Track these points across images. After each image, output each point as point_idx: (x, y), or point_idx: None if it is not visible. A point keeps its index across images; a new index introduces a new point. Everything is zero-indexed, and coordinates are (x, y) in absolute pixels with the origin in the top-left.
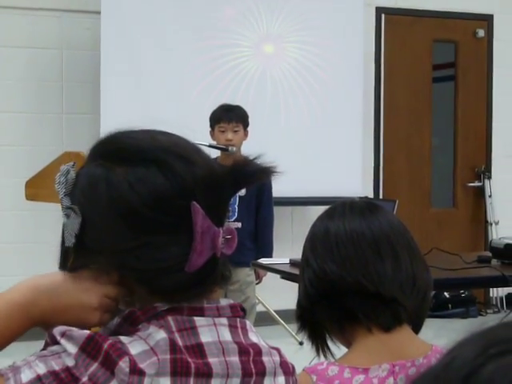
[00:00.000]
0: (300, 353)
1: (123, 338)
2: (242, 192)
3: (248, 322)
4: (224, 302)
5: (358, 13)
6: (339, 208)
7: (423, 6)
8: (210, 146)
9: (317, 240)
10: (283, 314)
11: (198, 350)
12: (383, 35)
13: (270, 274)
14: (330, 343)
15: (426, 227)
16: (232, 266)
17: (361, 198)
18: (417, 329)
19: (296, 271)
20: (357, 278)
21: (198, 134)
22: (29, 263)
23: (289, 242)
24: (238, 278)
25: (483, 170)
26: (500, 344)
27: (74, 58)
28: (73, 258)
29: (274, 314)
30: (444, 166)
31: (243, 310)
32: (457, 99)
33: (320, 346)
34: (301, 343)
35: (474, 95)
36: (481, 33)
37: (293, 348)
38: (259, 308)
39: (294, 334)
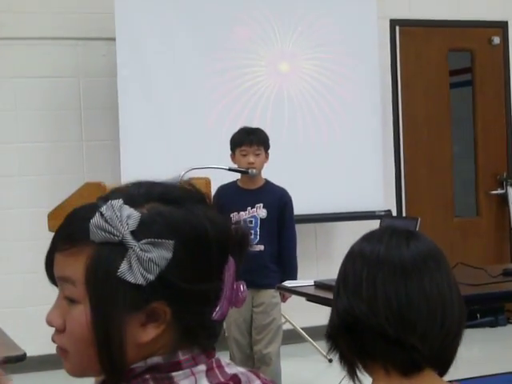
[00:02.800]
0: (329, 370)
1: None
2: (263, 214)
3: (221, 358)
4: (197, 348)
5: (372, 26)
6: (377, 234)
7: (437, 16)
8: (230, 169)
9: (352, 260)
10: (311, 331)
11: None
12: (398, 47)
13: None
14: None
15: (449, 237)
16: (256, 288)
17: (385, 212)
18: (443, 370)
19: (321, 293)
20: (380, 321)
21: (216, 158)
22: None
23: (313, 259)
24: (262, 300)
25: (505, 177)
26: None
27: (91, 85)
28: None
29: (302, 331)
30: (466, 174)
31: (214, 348)
32: (475, 106)
33: (348, 370)
34: (330, 360)
35: (492, 102)
36: (496, 40)
37: (322, 366)
38: (286, 326)
39: (322, 351)
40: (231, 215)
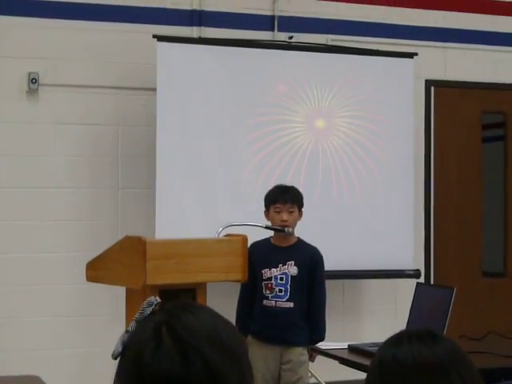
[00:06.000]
0: None
1: None
2: (294, 272)
3: None
4: None
5: (408, 86)
6: (405, 337)
7: (472, 77)
8: (267, 227)
9: (386, 368)
10: None
11: None
12: (432, 107)
13: None
14: None
15: (477, 297)
16: (285, 345)
17: (414, 272)
18: None
19: (355, 358)
20: None
21: (251, 212)
22: (86, 336)
23: (340, 314)
24: (290, 357)
25: None
26: None
27: (129, 133)
28: None
29: None
30: (495, 232)
31: None
32: (507, 165)
33: None
34: None
35: None
36: None
37: None
38: (313, 380)
39: None
40: (263, 271)
